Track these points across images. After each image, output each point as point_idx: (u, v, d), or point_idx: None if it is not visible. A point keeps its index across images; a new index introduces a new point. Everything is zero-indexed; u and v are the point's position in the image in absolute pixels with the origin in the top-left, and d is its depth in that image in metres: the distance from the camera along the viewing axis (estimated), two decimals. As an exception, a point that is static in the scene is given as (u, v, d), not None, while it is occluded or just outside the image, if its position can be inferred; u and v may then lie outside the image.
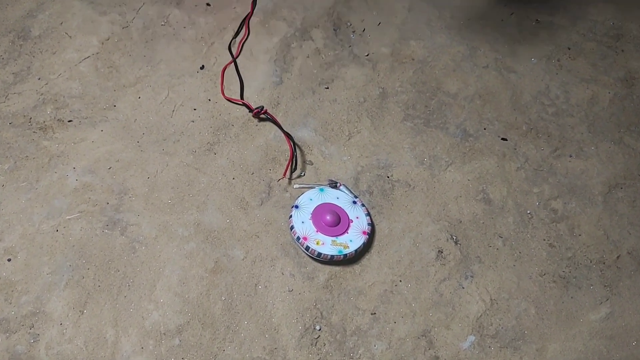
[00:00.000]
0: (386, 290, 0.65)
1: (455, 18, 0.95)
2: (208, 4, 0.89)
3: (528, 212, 0.73)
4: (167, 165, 0.73)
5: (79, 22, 0.87)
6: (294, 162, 0.73)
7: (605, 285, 0.68)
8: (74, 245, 0.66)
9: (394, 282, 0.66)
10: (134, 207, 0.69)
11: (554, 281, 0.68)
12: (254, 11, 0.91)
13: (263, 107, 0.77)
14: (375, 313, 0.64)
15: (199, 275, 0.65)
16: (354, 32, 0.92)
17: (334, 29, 0.91)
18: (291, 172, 0.74)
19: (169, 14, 0.90)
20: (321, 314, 0.63)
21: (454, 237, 0.70)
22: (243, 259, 0.66)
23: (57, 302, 0.62)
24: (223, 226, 0.69)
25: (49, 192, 0.69)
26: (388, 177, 0.75)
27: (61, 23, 0.87)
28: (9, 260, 0.64)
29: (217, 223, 0.69)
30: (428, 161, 0.77)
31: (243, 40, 0.88)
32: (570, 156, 0.78)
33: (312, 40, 0.89)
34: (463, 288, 0.66)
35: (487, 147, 0.78)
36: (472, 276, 0.67)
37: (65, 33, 0.86)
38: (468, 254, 0.69)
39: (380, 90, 0.84)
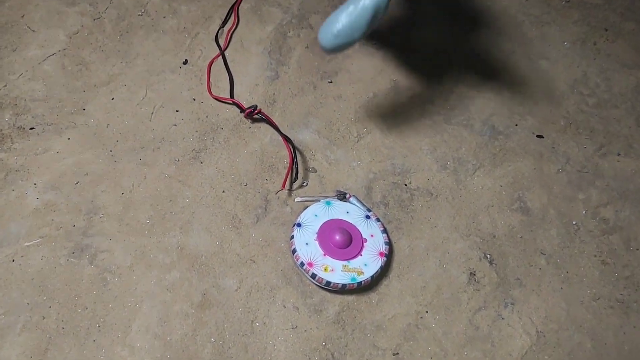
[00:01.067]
0: (410, 324, 0.54)
1: (475, 0, 0.84)
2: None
3: (574, 222, 0.62)
4: (145, 178, 0.62)
5: (42, 15, 0.76)
6: (295, 170, 0.62)
7: (673, 311, 0.56)
8: (33, 278, 0.55)
9: (419, 313, 0.55)
10: (105, 230, 0.58)
11: (611, 307, 0.56)
12: (245, -3, 0.80)
13: (256, 106, 0.66)
14: (397, 353, 0.52)
15: (184, 312, 0.53)
16: (359, 17, 0.80)
17: (337, 15, 0.80)
18: (291, 183, 0.62)
19: (147, 3, 0.78)
20: (332, 355, 0.52)
21: (488, 256, 0.59)
22: (236, 290, 0.55)
23: (11, 350, 0.51)
24: (212, 250, 0.57)
25: (5, 214, 0.58)
26: (406, 185, 0.64)
27: (22, 16, 0.75)
28: (-46, 299, 0.53)
29: (204, 246, 0.58)
30: (452, 165, 0.65)
31: (232, 30, 0.76)
32: (619, 154, 0.67)
33: (312, 28, 0.78)
34: (503, 319, 0.55)
35: (521, 146, 0.67)
36: (512, 303, 0.56)
37: (28, 27, 0.74)
38: (506, 276, 0.58)
39: (393, 82, 0.73)
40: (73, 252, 0.56)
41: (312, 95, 0.71)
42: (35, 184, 0.60)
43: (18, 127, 0.65)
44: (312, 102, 0.70)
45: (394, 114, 0.70)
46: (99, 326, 0.52)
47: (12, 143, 0.64)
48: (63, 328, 0.52)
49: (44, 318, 0.52)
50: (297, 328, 0.53)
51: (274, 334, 0.53)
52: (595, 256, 0.60)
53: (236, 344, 0.52)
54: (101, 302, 0.54)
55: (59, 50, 0.72)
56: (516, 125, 0.69)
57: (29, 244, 0.57)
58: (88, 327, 0.52)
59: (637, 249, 0.60)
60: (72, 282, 0.55)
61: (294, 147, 0.65)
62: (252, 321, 0.54)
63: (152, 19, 0.77)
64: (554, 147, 0.67)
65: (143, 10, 0.77)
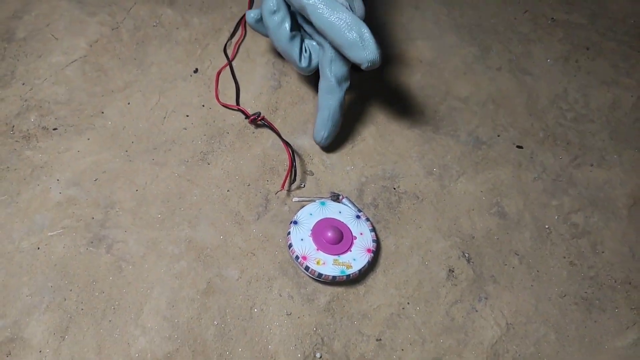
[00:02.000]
0: (393, 313, 0.60)
1: (466, 16, 0.90)
2: None
3: (546, 226, 0.67)
4: (157, 177, 0.68)
5: (66, 24, 0.82)
6: (293, 172, 0.68)
7: (632, 308, 0.62)
8: (56, 264, 0.61)
9: (401, 304, 0.61)
10: (120, 223, 0.64)
11: (576, 303, 0.62)
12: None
13: (260, 113, 0.72)
14: (380, 339, 0.58)
15: (190, 298, 0.60)
16: (357, 32, 0.86)
17: (337, 29, 0.86)
18: (290, 184, 0.69)
19: (162, 14, 0.85)
20: (322, 340, 0.58)
21: (466, 255, 0.65)
22: (238, 280, 0.61)
23: (37, 327, 0.57)
24: (216, 243, 0.64)
25: (31, 206, 0.64)
26: (394, 188, 0.70)
27: (48, 24, 0.82)
28: (-14, 281, 0.59)
29: (210, 240, 0.64)
30: (438, 171, 0.71)
31: (239, 42, 0.82)
32: (592, 165, 0.72)
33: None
34: (476, 311, 0.61)
35: (502, 155, 0.73)
36: (486, 298, 0.62)
37: (52, 35, 0.81)
38: (482, 273, 0.64)
39: (386, 94, 0.79)
40: (92, 242, 0.63)
41: (311, 103, 0.77)
42: (58, 180, 0.67)
43: (42, 128, 0.72)
44: (312, 110, 0.77)
45: (386, 123, 0.76)
46: (114, 308, 0.59)
47: (37, 142, 0.70)
48: (82, 309, 0.58)
49: (65, 300, 0.59)
50: (291, 315, 0.59)
51: (270, 320, 0.59)
52: (564, 257, 0.65)
53: (236, 327, 0.58)
54: (116, 287, 0.60)
55: (80, 57, 0.79)
56: (498, 136, 0.75)
57: (52, 233, 0.63)
58: (104, 309, 0.58)
59: (603, 252, 0.66)
60: (90, 269, 0.61)
61: (294, 152, 0.71)
62: (251, 307, 0.60)
63: (166, 30, 0.83)
64: (532, 157, 0.73)
65: (158, 22, 0.84)
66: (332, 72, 0.66)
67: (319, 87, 0.68)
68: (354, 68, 0.70)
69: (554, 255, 0.65)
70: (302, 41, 0.69)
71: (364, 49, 0.60)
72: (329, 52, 0.65)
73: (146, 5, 0.85)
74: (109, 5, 0.85)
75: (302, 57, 0.68)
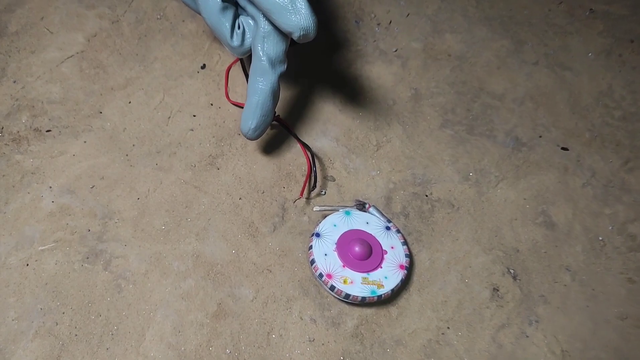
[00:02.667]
0: (431, 339, 0.52)
1: (496, 7, 0.82)
2: None
3: (600, 238, 0.60)
4: (161, 183, 0.61)
5: (62, 17, 0.75)
6: (313, 178, 0.60)
7: None
8: (46, 283, 0.54)
9: (440, 329, 0.53)
10: (120, 235, 0.57)
11: (638, 326, 0.54)
12: (264, 2, 0.79)
13: (274, 112, 0.65)
14: (418, 370, 0.51)
15: (199, 322, 0.52)
16: (379, 24, 0.79)
17: (356, 21, 0.79)
18: (309, 191, 0.61)
19: (166, 7, 0.78)
20: (350, 370, 0.51)
21: (512, 271, 0.57)
22: (252, 300, 0.54)
23: (24, 356, 0.50)
24: (228, 258, 0.56)
25: (20, 217, 0.57)
26: (426, 195, 0.62)
27: (42, 18, 0.75)
28: (-33, 302, 0.52)
29: (220, 254, 0.56)
30: (474, 176, 0.64)
31: (251, 35, 0.75)
32: (646, 169, 0.65)
33: (332, 34, 0.77)
34: (527, 337, 0.53)
35: (545, 158, 0.65)
36: (536, 321, 0.54)
37: (47, 29, 0.74)
38: (530, 292, 0.56)
39: (413, 91, 0.72)
40: (87, 257, 0.55)
41: (331, 102, 0.70)
42: (50, 187, 0.60)
43: (34, 129, 0.65)
44: (332, 109, 0.69)
45: (414, 123, 0.69)
46: (112, 334, 0.51)
47: (29, 145, 0.63)
48: (76, 335, 0.51)
49: (57, 324, 0.51)
50: (314, 341, 0.52)
51: (290, 347, 0.52)
52: (621, 274, 0.58)
53: (252, 356, 0.51)
54: (115, 309, 0.53)
55: (77, 53, 0.72)
56: (540, 137, 0.67)
57: (43, 248, 0.56)
58: (101, 335, 0.51)
59: (667, 268, 0.58)
60: (85, 288, 0.54)
61: (313, 155, 0.63)
62: (269, 333, 0.52)
63: (171, 23, 0.76)
64: (578, 161, 0.65)
65: (162, 14, 0.77)
66: (264, 51, 0.56)
67: (250, 68, 0.59)
68: (291, 44, 0.60)
69: (610, 271, 0.58)
70: (235, 16, 0.58)
71: (295, 13, 0.50)
72: (263, 27, 0.55)
73: (149, -4, 0.78)
74: (109, -3, 0.78)
75: (235, 34, 0.57)
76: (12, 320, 0.51)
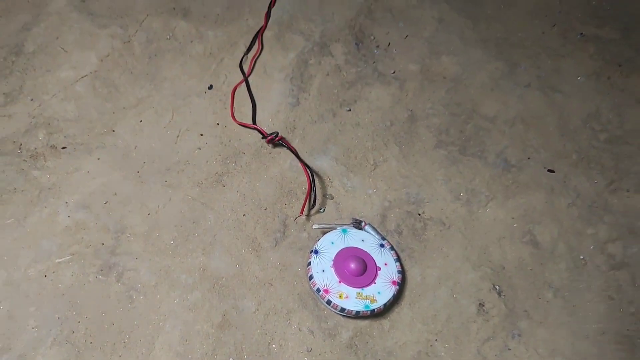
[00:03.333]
0: (420, 351, 0.56)
1: (492, 30, 0.86)
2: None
3: (582, 257, 0.63)
4: (170, 200, 0.65)
5: (76, 37, 0.79)
6: (313, 196, 0.64)
7: (677, 348, 0.58)
8: (63, 294, 0.58)
9: (429, 341, 0.57)
10: (132, 249, 0.61)
11: (617, 342, 0.58)
12: (268, 24, 0.83)
13: (277, 133, 0.69)
14: (407, 380, 0.55)
15: (204, 332, 0.56)
16: (378, 46, 0.83)
17: (356, 43, 0.83)
18: (309, 209, 0.65)
19: (175, 27, 0.81)
20: (345, 379, 0.54)
21: (497, 287, 0.61)
22: (254, 312, 0.58)
23: (43, 362, 0.53)
24: (232, 272, 0.60)
25: (38, 231, 0.61)
26: (419, 214, 0.66)
27: (57, 37, 0.79)
28: (-10, 311, 0.56)
29: (225, 268, 0.60)
30: (465, 196, 0.67)
31: (256, 57, 0.79)
32: (628, 191, 0.68)
33: (332, 56, 0.81)
34: (509, 350, 0.57)
35: (533, 179, 0.69)
36: (519, 335, 0.58)
37: (62, 48, 0.78)
38: (514, 308, 0.60)
39: (409, 112, 0.75)
40: (101, 270, 0.59)
41: (331, 122, 0.74)
42: (66, 203, 0.64)
43: (51, 146, 0.69)
44: (331, 129, 0.73)
45: (409, 144, 0.72)
46: (124, 342, 0.55)
47: (45, 161, 0.67)
48: (91, 343, 0.55)
49: (73, 332, 0.55)
50: (311, 351, 0.56)
51: (289, 356, 0.55)
52: (602, 291, 0.61)
53: (253, 365, 0.55)
54: (127, 319, 0.57)
55: (91, 72, 0.76)
56: (529, 158, 0.71)
57: (60, 260, 0.60)
58: (114, 343, 0.55)
59: (644, 286, 0.62)
60: (100, 299, 0.58)
61: (313, 174, 0.67)
62: (269, 343, 0.56)
63: (180, 44, 0.80)
64: (565, 182, 0.69)
65: (171, 35, 0.81)
66: None
67: None
68: None
69: (591, 288, 0.61)
70: None
71: None
72: None
73: (159, 17, 0.82)
74: (121, 17, 0.82)
75: None
76: (32, 328, 0.55)
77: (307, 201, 0.64)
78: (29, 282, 0.58)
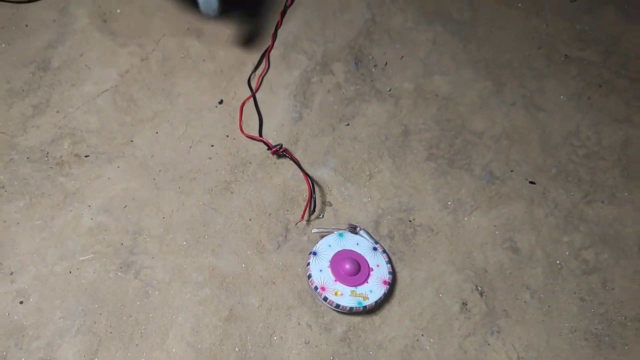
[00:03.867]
0: (407, 345, 0.62)
1: (482, 51, 0.93)
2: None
3: (558, 262, 0.69)
4: (183, 205, 0.72)
5: (98, 54, 0.87)
6: (313, 203, 0.71)
7: (641, 346, 0.63)
8: (86, 289, 0.64)
9: (415, 336, 0.63)
10: (148, 249, 0.67)
11: (586, 339, 0.64)
12: (274, 44, 0.90)
13: (282, 145, 0.75)
14: (395, 370, 0.61)
15: (213, 324, 0.62)
16: (375, 65, 0.89)
17: (356, 63, 0.89)
18: (310, 214, 0.71)
19: (189, 47, 0.89)
20: (339, 369, 0.60)
21: (479, 288, 0.67)
22: (258, 307, 0.64)
23: (68, 350, 0.60)
24: (238, 271, 0.67)
25: (64, 232, 0.68)
26: (410, 221, 0.72)
27: (81, 55, 0.86)
28: (21, 302, 0.62)
29: (232, 268, 0.67)
30: (452, 205, 0.74)
31: (263, 74, 0.86)
32: (602, 202, 0.74)
33: (333, 74, 0.88)
34: (489, 345, 0.63)
35: (515, 191, 0.75)
36: (498, 332, 0.64)
37: (85, 65, 0.85)
38: (494, 307, 0.66)
39: (403, 127, 0.82)
40: (120, 267, 0.66)
41: (330, 136, 0.80)
42: (89, 206, 0.70)
43: (75, 155, 0.75)
44: (331, 142, 0.80)
45: (402, 156, 0.79)
46: (141, 333, 0.62)
47: (70, 169, 0.74)
48: (111, 332, 0.61)
49: (95, 323, 0.62)
50: (309, 343, 0.62)
51: (289, 348, 0.62)
52: (575, 293, 0.67)
53: (257, 355, 0.61)
54: (143, 312, 0.63)
55: (111, 87, 0.83)
56: (512, 171, 0.77)
57: (83, 258, 0.66)
58: (132, 333, 0.61)
59: (613, 289, 0.68)
60: (119, 293, 0.64)
61: (313, 183, 0.74)
62: (271, 335, 0.62)
63: (193, 62, 0.87)
64: (544, 193, 0.75)
65: (185, 54, 0.88)
66: None
67: None
68: None
69: (565, 290, 0.67)
70: None
71: None
72: None
73: (175, 37, 0.90)
74: (140, 36, 0.89)
75: None
76: (59, 318, 0.62)
77: (308, 208, 0.71)
78: (55, 277, 0.65)
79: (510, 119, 0.83)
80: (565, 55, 0.93)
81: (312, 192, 0.71)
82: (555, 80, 0.89)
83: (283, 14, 0.94)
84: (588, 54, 0.93)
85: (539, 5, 0.98)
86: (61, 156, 0.75)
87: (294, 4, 0.95)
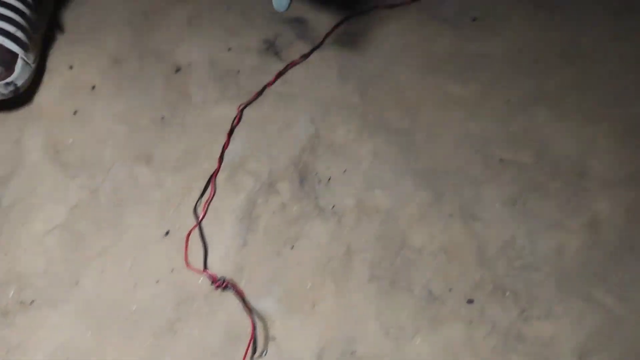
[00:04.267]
0: None
1: (420, 160, 0.97)
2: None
3: (497, 388, 0.71)
4: (127, 352, 0.72)
5: (50, 189, 0.89)
6: (254, 344, 0.72)
7: None
8: None
9: None
10: (90, 404, 0.67)
11: None
12: (221, 166, 0.93)
13: (224, 279, 0.77)
14: None
15: None
16: (319, 181, 0.93)
17: (300, 180, 0.93)
18: (252, 354, 0.72)
19: (138, 174, 0.91)
20: None
21: None
22: None
23: None
24: (181, 423, 0.67)
25: (5, 391, 0.68)
26: (352, 353, 0.73)
27: (31, 190, 0.89)
28: None
29: (174, 419, 0.67)
30: (394, 331, 0.75)
31: (209, 200, 0.89)
32: (538, 318, 0.76)
33: (279, 194, 0.91)
34: None
35: (453, 311, 0.77)
36: None
37: (35, 202, 0.87)
38: None
39: (346, 247, 0.84)
40: None
41: (275, 262, 0.82)
42: (32, 360, 0.71)
43: (20, 302, 0.76)
44: (275, 269, 0.82)
45: (345, 279, 0.81)
46: None
47: (14, 318, 0.75)
48: None
49: None
50: None
51: None
52: (515, 421, 0.68)
53: None
54: None
55: (59, 224, 0.85)
56: (450, 290, 0.80)
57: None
58: None
59: (552, 415, 0.69)
60: None
61: (255, 321, 0.75)
62: None
63: (141, 191, 0.90)
64: (482, 312, 0.77)
65: (134, 182, 0.91)
66: None
67: None
68: None
69: (506, 419, 0.68)
70: None
71: None
72: None
73: (125, 164, 0.92)
74: (91, 165, 0.92)
75: None
76: None
77: (248, 350, 0.72)
78: None
79: (448, 232, 0.86)
80: (501, 158, 0.97)
81: (254, 333, 0.72)
82: (492, 185, 0.93)
83: (230, 134, 0.97)
84: (520, 156, 0.97)
85: (476, 109, 1.03)
86: (6, 304, 0.76)
87: (240, 122, 0.99)
